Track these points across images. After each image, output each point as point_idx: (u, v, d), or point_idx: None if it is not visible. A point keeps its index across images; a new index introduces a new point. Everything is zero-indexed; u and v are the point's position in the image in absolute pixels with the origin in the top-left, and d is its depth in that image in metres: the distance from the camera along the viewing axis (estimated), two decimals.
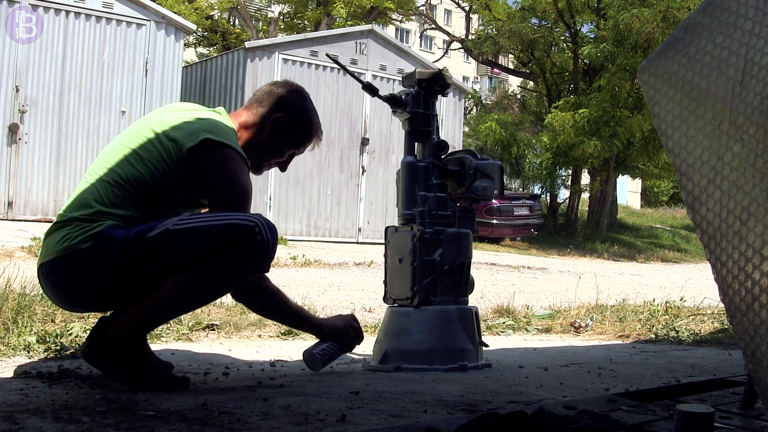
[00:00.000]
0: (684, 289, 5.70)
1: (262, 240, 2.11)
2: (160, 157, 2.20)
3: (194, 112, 2.33)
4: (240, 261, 2.11)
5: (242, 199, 2.20)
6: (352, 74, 2.98)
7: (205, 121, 2.27)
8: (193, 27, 11.87)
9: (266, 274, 2.31)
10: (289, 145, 2.47)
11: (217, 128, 2.25)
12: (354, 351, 3.19)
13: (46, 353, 2.66)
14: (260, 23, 25.44)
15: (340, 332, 2.61)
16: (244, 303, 2.49)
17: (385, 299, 2.82)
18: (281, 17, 24.11)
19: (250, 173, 2.38)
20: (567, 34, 20.47)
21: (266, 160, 2.47)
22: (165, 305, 2.13)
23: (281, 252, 9.08)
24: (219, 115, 2.36)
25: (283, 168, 2.54)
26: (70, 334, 2.87)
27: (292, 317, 2.59)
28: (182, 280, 2.10)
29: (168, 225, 2.11)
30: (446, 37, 26.01)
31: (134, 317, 2.13)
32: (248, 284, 2.30)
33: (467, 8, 24.67)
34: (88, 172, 2.25)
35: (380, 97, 2.79)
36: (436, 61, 25.10)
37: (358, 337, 2.67)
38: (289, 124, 2.43)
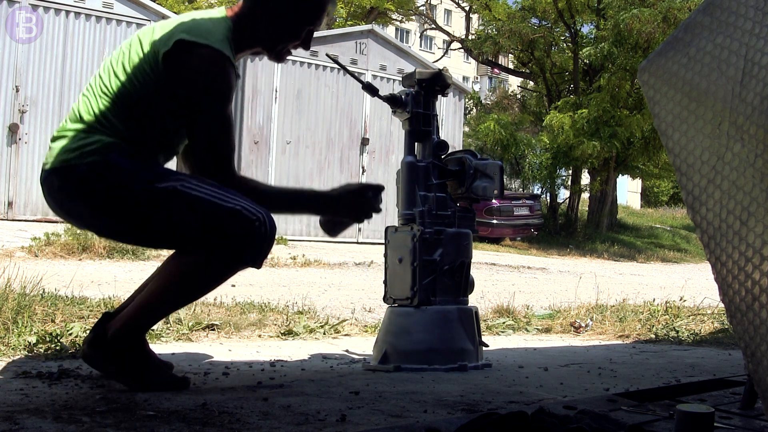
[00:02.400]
0: (684, 289, 5.70)
1: (263, 233, 2.04)
2: (143, 69, 2.06)
3: (183, 16, 2.16)
4: (234, 251, 2.04)
5: (225, 128, 2.05)
6: (352, 74, 2.98)
7: (185, 23, 2.07)
8: None
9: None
10: (302, 22, 2.23)
11: (196, 27, 2.05)
12: (354, 350, 3.20)
13: (46, 353, 2.66)
14: None
15: (354, 194, 2.31)
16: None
17: (385, 299, 2.82)
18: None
19: (274, 59, 2.26)
20: (567, 34, 20.47)
21: (283, 46, 2.26)
22: (159, 302, 2.10)
23: (281, 252, 9.08)
24: (211, 11, 2.17)
25: (306, 47, 2.31)
26: (70, 334, 2.87)
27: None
28: (174, 275, 2.07)
29: (177, 183, 2.02)
30: (446, 37, 26.01)
31: (130, 315, 2.10)
32: None
33: (467, 8, 24.69)
34: (86, 86, 2.17)
35: (380, 97, 2.79)
36: (436, 61, 25.10)
37: (364, 207, 2.32)
38: None
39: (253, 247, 2.06)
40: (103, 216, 2.08)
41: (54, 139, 2.13)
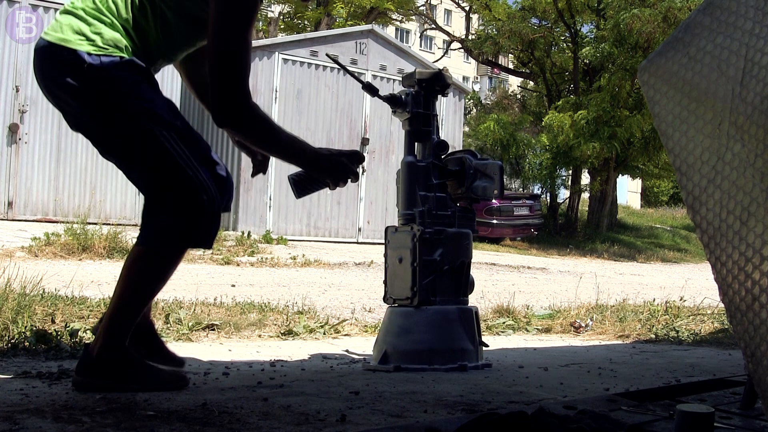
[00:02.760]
0: (684, 289, 5.70)
1: (210, 212, 2.10)
2: None
3: None
4: (185, 228, 2.09)
5: (244, 44, 2.08)
6: (352, 74, 2.98)
7: None
8: None
9: None
10: None
11: None
12: (354, 350, 3.20)
13: (46, 353, 2.66)
14: (260, 23, 25.44)
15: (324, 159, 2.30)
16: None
17: (385, 299, 2.82)
18: (281, 17, 24.11)
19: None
20: (567, 34, 20.46)
21: None
22: (127, 305, 2.13)
23: (281, 252, 9.09)
24: None
25: None
26: (70, 335, 2.87)
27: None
28: (129, 273, 2.12)
29: (162, 129, 2.08)
30: (446, 37, 26.01)
31: (106, 328, 2.12)
32: None
33: (467, 8, 24.68)
34: None
35: (380, 97, 2.79)
36: (436, 61, 25.10)
37: (344, 170, 2.31)
38: None
39: (196, 224, 2.10)
40: (85, 110, 2.09)
41: (64, 12, 2.13)
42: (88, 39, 2.05)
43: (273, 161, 2.50)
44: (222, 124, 2.11)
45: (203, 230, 2.13)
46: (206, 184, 2.12)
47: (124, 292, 2.12)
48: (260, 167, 2.55)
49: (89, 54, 2.04)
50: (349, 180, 2.32)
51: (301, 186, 2.33)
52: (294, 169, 2.31)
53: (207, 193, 2.11)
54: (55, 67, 2.08)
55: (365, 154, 12.91)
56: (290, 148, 2.24)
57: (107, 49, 2.06)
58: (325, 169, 2.28)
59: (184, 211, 2.09)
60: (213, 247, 2.19)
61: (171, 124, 2.11)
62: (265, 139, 2.19)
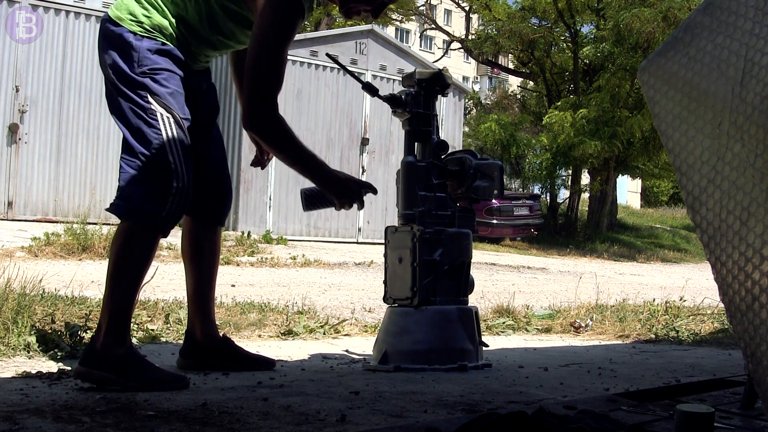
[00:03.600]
0: (684, 289, 5.70)
1: (175, 200, 2.24)
2: None
3: None
4: (147, 204, 2.23)
5: (273, 54, 2.25)
6: (352, 74, 2.98)
7: None
8: None
9: None
10: None
11: None
12: (354, 350, 3.20)
13: (46, 353, 2.66)
14: None
15: (340, 182, 2.45)
16: None
17: (385, 299, 2.82)
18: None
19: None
20: (567, 34, 20.45)
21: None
22: (114, 289, 2.22)
23: (281, 252, 9.09)
24: None
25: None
26: (70, 335, 2.87)
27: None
28: (114, 249, 2.26)
29: (163, 112, 2.25)
30: (446, 37, 26.00)
31: (105, 318, 2.20)
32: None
33: (467, 8, 24.67)
34: None
35: (380, 97, 2.79)
36: (436, 61, 25.10)
37: (354, 196, 2.45)
38: None
39: (160, 204, 2.23)
40: (115, 84, 2.28)
41: None
42: (137, 21, 2.27)
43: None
44: (248, 128, 2.28)
45: (164, 212, 2.24)
46: (182, 176, 2.26)
47: (111, 277, 2.23)
48: (260, 161, 2.75)
49: (134, 34, 2.26)
50: (355, 205, 2.46)
51: (311, 201, 2.49)
52: (307, 183, 2.43)
53: (180, 181, 2.25)
54: (105, 39, 2.31)
55: (365, 154, 12.98)
56: (310, 164, 2.37)
57: (152, 33, 2.27)
58: (338, 192, 2.41)
59: (152, 187, 2.23)
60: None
61: (177, 115, 2.28)
62: (286, 151, 2.33)
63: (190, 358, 2.58)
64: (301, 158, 2.34)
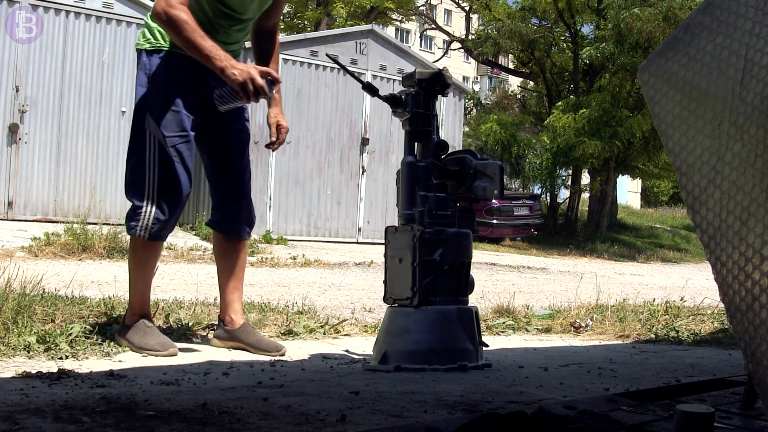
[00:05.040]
0: (684, 289, 5.70)
1: (145, 225, 2.79)
2: None
3: None
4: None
5: None
6: (352, 74, 2.98)
7: None
8: None
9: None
10: None
11: None
12: (354, 350, 3.20)
13: (46, 353, 2.66)
14: None
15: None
16: None
17: (385, 299, 2.82)
18: (281, 17, 24.09)
19: None
20: (567, 34, 20.46)
21: None
22: (130, 280, 2.93)
23: (281, 252, 9.09)
24: None
25: None
26: (70, 334, 2.87)
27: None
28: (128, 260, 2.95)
29: (160, 134, 2.74)
30: (446, 37, 26.01)
31: (130, 302, 2.95)
32: None
33: (467, 8, 24.68)
34: None
35: (380, 97, 2.79)
36: (436, 61, 25.11)
37: (248, 81, 2.59)
38: None
39: (139, 222, 2.79)
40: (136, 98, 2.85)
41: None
42: (145, 38, 2.78)
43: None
44: (154, 14, 2.67)
45: (139, 229, 2.78)
46: (153, 198, 2.75)
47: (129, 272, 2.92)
48: (276, 140, 3.19)
49: (146, 52, 2.78)
50: (260, 96, 2.62)
51: (223, 99, 2.68)
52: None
53: (150, 203, 2.75)
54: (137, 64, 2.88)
55: (365, 154, 12.97)
56: (203, 53, 2.59)
57: (158, 42, 2.75)
58: (233, 81, 2.58)
59: (133, 204, 2.78)
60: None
61: (174, 135, 2.76)
62: (179, 38, 2.60)
63: (219, 338, 3.14)
64: (195, 47, 2.58)
